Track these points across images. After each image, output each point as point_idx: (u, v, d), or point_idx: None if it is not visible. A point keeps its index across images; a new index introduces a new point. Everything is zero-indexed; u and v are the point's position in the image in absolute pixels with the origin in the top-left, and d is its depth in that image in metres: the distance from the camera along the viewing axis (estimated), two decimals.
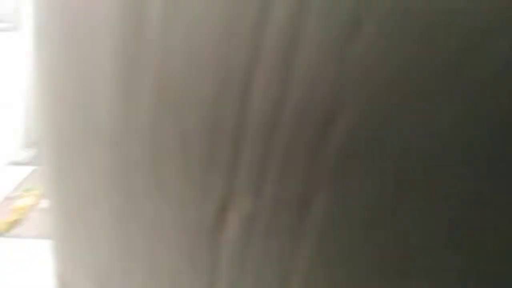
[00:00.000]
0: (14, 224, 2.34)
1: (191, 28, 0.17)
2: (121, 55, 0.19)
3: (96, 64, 0.20)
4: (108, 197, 0.22)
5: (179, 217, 0.20)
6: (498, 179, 0.16)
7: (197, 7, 0.17)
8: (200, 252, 0.20)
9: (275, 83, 0.16)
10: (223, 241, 0.20)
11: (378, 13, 0.15)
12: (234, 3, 0.16)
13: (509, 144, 0.15)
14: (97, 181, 0.22)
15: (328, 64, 0.15)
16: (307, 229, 0.18)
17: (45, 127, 0.25)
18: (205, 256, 0.20)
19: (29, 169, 3.03)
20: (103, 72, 0.20)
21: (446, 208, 0.16)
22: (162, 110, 0.19)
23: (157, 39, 0.18)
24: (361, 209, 0.17)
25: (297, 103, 0.16)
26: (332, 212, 0.17)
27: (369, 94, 0.15)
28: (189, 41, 0.17)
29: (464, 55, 0.15)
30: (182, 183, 0.20)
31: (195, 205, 0.20)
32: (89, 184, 0.23)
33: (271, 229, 0.19)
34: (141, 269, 0.22)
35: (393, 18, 0.15)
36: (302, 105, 0.16)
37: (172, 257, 0.21)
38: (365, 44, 0.15)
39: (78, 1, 0.20)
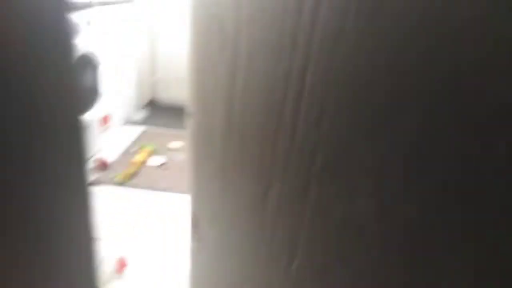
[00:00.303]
0: (131, 176, 2.69)
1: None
2: None
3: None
4: (218, 174, 0.42)
5: (248, 190, 0.40)
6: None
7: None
8: (256, 209, 0.39)
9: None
10: (267, 206, 0.38)
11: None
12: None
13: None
14: (217, 159, 0.43)
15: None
16: (306, 205, 0.35)
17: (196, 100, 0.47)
18: (258, 213, 0.39)
19: (141, 128, 3.44)
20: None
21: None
22: (247, 134, 0.40)
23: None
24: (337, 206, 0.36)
25: (300, 144, 0.36)
26: (320, 199, 0.36)
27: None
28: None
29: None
30: (249, 176, 0.39)
31: (254, 186, 0.38)
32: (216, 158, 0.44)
33: (289, 202, 0.36)
34: (227, 214, 0.42)
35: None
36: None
37: (244, 210, 0.40)
38: None
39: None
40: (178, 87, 3.50)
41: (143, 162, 2.92)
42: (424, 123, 0.30)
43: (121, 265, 1.90)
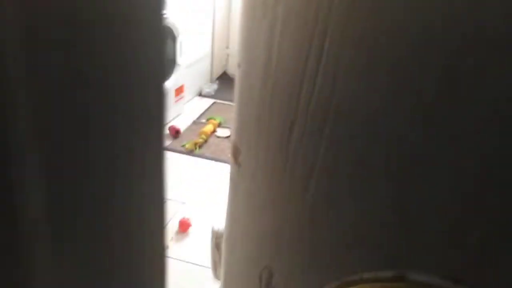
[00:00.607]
0: (198, 145, 2.85)
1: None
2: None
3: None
4: (255, 112, 0.49)
5: (277, 125, 0.46)
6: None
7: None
8: (282, 144, 0.46)
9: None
10: (292, 139, 0.45)
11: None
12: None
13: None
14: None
15: None
16: (322, 141, 0.42)
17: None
18: (284, 146, 0.46)
19: (211, 101, 3.58)
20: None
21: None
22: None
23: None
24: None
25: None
26: (334, 138, 0.41)
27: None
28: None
29: None
30: (279, 115, 0.45)
31: (282, 123, 0.45)
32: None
33: (308, 137, 0.43)
34: (260, 145, 0.49)
35: None
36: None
37: (273, 143, 0.47)
38: None
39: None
40: None
41: (212, 133, 3.06)
42: None
43: (186, 226, 2.09)
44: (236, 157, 0.52)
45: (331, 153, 0.43)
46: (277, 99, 0.45)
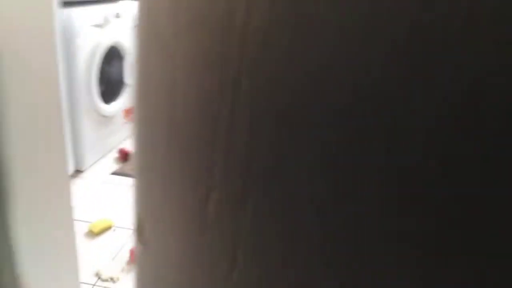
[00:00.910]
0: None
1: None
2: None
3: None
4: (160, 179, 0.40)
5: (186, 196, 0.37)
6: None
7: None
8: (196, 215, 0.37)
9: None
10: (208, 211, 0.36)
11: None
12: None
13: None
14: (160, 166, 0.40)
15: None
16: (245, 212, 0.34)
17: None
18: (198, 218, 0.37)
19: None
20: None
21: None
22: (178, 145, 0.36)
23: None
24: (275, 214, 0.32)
25: (237, 153, 0.32)
26: (261, 207, 0.33)
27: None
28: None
29: None
30: (188, 181, 0.36)
31: (193, 192, 0.36)
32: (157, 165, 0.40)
33: (229, 208, 0.35)
34: (169, 218, 0.39)
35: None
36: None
37: (184, 217, 0.38)
38: None
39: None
40: None
41: None
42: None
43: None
44: (141, 234, 0.42)
45: (257, 227, 0.34)
46: (186, 163, 0.37)
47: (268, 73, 0.30)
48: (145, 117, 0.39)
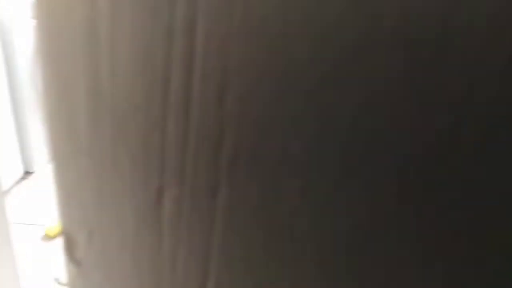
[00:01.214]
0: None
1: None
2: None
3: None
4: (90, 175, 0.29)
5: (133, 195, 0.27)
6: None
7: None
8: (148, 220, 0.27)
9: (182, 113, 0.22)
10: (163, 215, 0.26)
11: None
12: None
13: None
14: (84, 167, 0.29)
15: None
16: (216, 212, 0.24)
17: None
18: (152, 221, 0.27)
19: None
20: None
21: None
22: (116, 125, 0.25)
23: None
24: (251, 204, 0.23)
25: (198, 128, 0.21)
26: (232, 201, 0.23)
27: (246, 126, 0.21)
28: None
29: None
30: (135, 178, 0.26)
31: (141, 191, 0.26)
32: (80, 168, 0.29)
33: (192, 208, 0.25)
34: (108, 229, 0.29)
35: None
36: (202, 129, 0.21)
37: (131, 222, 0.28)
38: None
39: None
40: None
41: None
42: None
43: None
44: (71, 253, 0.31)
45: (232, 229, 0.25)
46: (125, 151, 0.25)
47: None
48: (58, 91, 0.27)
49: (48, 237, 2.02)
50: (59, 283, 1.71)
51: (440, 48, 0.18)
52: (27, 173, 2.51)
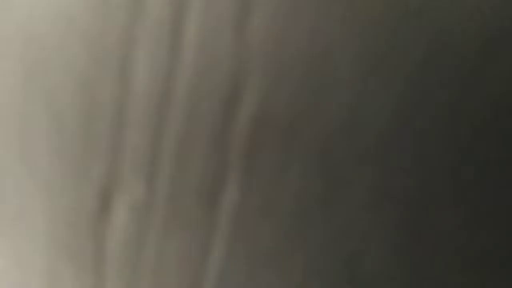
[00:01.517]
0: None
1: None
2: None
3: None
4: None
5: (53, 202, 0.15)
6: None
7: None
8: (80, 247, 0.16)
9: (160, 56, 0.11)
10: (109, 233, 0.15)
11: None
12: None
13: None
14: None
15: (224, 36, 0.11)
16: (217, 223, 0.14)
17: None
18: (87, 252, 0.16)
19: None
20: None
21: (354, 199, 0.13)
22: (31, 88, 0.14)
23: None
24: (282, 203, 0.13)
25: (190, 80, 0.11)
26: (243, 205, 0.13)
27: (273, 73, 0.11)
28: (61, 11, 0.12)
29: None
30: (55, 164, 0.15)
31: (72, 190, 0.15)
32: None
33: (174, 222, 0.14)
34: (14, 270, 0.17)
35: None
36: (197, 83, 0.11)
37: (46, 253, 0.16)
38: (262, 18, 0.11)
39: None
40: None
41: None
42: None
43: None
44: None
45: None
46: (60, 142, 0.15)
47: None
48: None
49: None
50: None
51: None
52: None
